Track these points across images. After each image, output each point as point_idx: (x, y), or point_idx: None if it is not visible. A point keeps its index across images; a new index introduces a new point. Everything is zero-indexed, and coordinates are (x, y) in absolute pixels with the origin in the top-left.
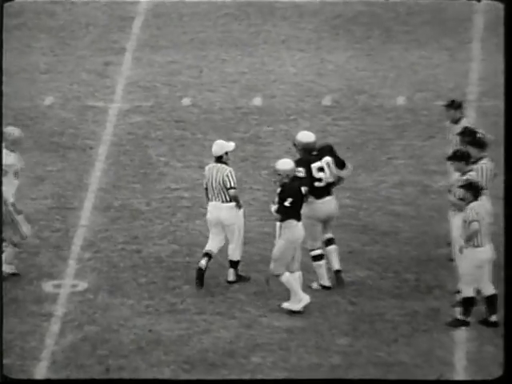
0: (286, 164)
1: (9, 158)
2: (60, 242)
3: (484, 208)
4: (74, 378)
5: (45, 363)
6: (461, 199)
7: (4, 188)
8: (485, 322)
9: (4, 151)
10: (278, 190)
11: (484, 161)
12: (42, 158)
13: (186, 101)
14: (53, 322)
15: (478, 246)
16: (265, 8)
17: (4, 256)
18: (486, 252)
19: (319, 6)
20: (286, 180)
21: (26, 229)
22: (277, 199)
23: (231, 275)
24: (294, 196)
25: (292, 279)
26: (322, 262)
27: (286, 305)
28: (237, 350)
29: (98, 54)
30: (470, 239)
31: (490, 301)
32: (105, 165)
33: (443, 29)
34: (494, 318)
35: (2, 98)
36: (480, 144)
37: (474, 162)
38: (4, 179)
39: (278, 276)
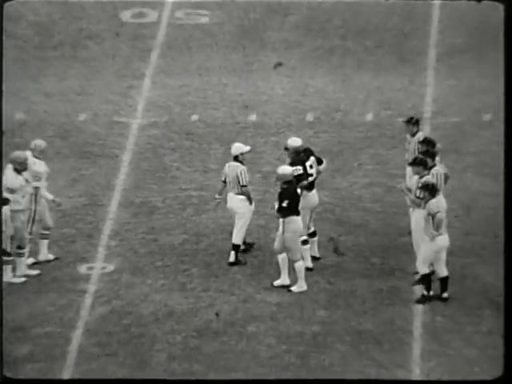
0: (285, 170)
1: (41, 166)
2: (92, 232)
3: (440, 204)
4: (74, 378)
5: (80, 331)
6: (419, 198)
7: (42, 190)
8: (438, 298)
9: (36, 161)
10: (278, 192)
11: (436, 167)
12: (77, 163)
13: (194, 117)
14: (86, 298)
15: (440, 235)
16: (258, 41)
17: (43, 247)
18: (444, 240)
19: (302, 39)
20: (282, 183)
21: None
22: (277, 200)
23: (232, 257)
24: (289, 198)
25: (303, 267)
26: (307, 247)
27: (277, 283)
28: (236, 321)
29: (122, 79)
30: (439, 227)
31: (443, 281)
32: (128, 169)
33: (404, 59)
34: (445, 295)
35: (2, 96)
36: (431, 155)
37: (429, 169)
38: (39, 183)
39: (296, 261)
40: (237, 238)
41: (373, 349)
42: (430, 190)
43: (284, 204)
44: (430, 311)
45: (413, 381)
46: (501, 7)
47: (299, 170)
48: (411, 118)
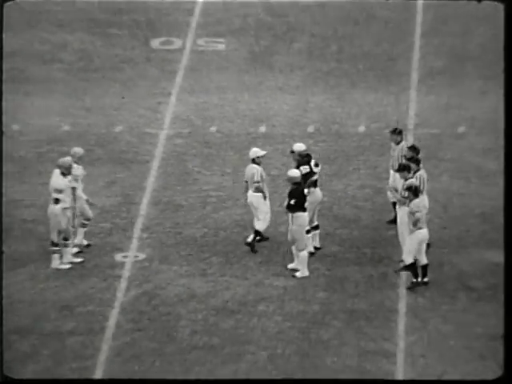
0: (294, 173)
1: (79, 170)
2: (126, 226)
3: (422, 203)
4: (76, 378)
5: (116, 310)
6: (404, 197)
7: (78, 190)
8: (420, 282)
9: (75, 165)
10: (288, 191)
11: (420, 172)
12: (114, 168)
13: (212, 129)
14: (121, 282)
15: (419, 229)
16: (266, 65)
17: (81, 233)
18: (424, 234)
19: (304, 63)
20: (292, 184)
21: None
22: (287, 198)
23: (250, 238)
24: (297, 196)
25: (307, 256)
26: (310, 235)
27: (290, 266)
28: (248, 301)
29: (152, 96)
30: (416, 224)
31: (424, 268)
32: (157, 173)
33: (390, 80)
34: (425, 280)
35: (2, 96)
36: (416, 160)
37: (414, 173)
38: (77, 184)
39: (302, 250)
40: (259, 225)
41: (364, 325)
42: (413, 191)
43: (292, 202)
44: (413, 293)
45: (412, 381)
46: (501, 7)
47: (306, 168)
48: (395, 129)
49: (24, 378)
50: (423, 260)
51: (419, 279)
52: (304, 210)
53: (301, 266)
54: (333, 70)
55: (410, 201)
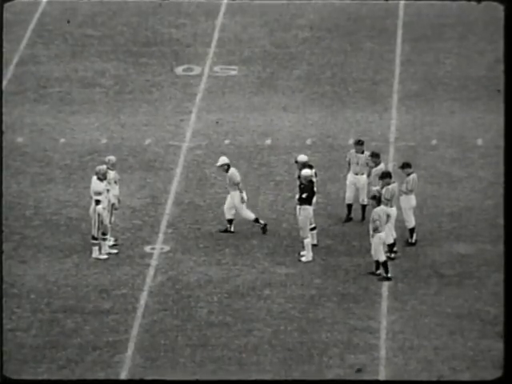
0: (307, 172)
1: (111, 173)
2: (154, 223)
3: (383, 211)
4: (77, 379)
5: (146, 293)
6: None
7: (110, 193)
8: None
9: (108, 171)
10: (301, 187)
11: (413, 175)
12: (144, 174)
13: (226, 142)
14: (150, 269)
15: (379, 232)
16: (272, 88)
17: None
18: (383, 235)
19: (303, 87)
20: (305, 181)
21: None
22: (299, 193)
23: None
24: (308, 192)
25: (310, 242)
26: (315, 232)
27: (303, 253)
28: (256, 286)
29: (176, 114)
30: (376, 230)
31: (384, 264)
32: (179, 178)
33: (375, 101)
34: (388, 275)
35: (3, 97)
36: (409, 165)
37: (408, 175)
38: (110, 186)
39: (304, 238)
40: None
41: (353, 306)
42: (377, 200)
43: (304, 195)
44: (394, 279)
45: (413, 381)
46: (500, 7)
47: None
48: (359, 140)
49: (24, 378)
50: (382, 258)
51: (389, 275)
52: (310, 204)
53: (306, 251)
54: (327, 92)
55: (374, 208)
